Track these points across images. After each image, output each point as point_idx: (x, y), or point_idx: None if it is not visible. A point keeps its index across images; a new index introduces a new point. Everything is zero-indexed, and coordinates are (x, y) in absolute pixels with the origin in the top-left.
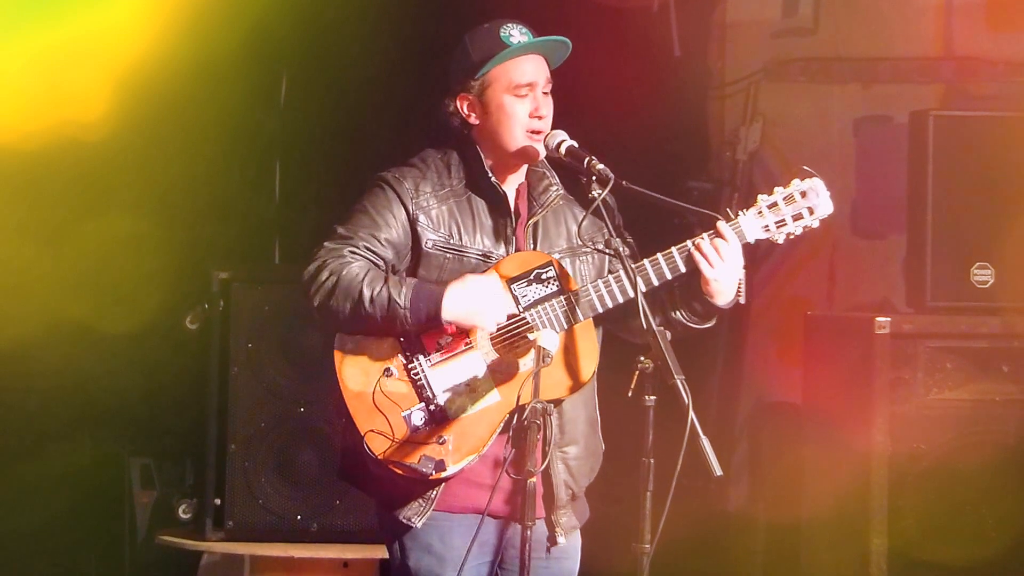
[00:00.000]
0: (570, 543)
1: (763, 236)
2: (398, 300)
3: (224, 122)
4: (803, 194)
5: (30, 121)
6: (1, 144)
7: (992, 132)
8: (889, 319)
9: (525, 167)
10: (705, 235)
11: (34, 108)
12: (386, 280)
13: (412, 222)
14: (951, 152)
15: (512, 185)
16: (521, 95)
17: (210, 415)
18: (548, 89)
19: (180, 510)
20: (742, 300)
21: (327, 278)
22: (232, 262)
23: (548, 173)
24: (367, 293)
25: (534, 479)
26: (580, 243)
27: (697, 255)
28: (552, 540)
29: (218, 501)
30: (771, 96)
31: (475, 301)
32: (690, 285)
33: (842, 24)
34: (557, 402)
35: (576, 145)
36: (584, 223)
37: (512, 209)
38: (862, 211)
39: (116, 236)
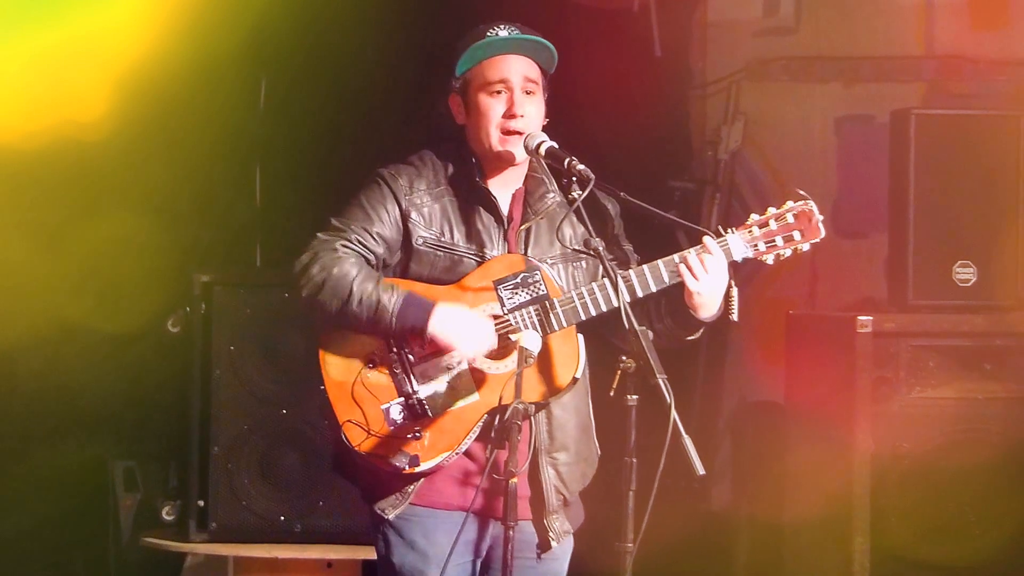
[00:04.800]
0: (561, 546)
1: (751, 255)
2: (387, 305)
3: (209, 124)
4: (796, 216)
5: (30, 121)
6: (1, 144)
7: (974, 131)
8: (871, 318)
9: (521, 170)
10: (692, 249)
11: (34, 108)
12: (378, 282)
13: (404, 218)
14: (933, 151)
15: (509, 189)
16: (494, 92)
17: (193, 417)
18: (530, 89)
19: (164, 512)
20: (734, 318)
21: (318, 272)
22: (213, 265)
23: (546, 180)
24: (357, 293)
25: (515, 480)
26: (573, 250)
27: (683, 268)
28: (546, 545)
29: (201, 503)
30: (753, 95)
31: (462, 326)
32: (675, 298)
33: (823, 23)
34: (540, 406)
35: (556, 146)
36: (579, 228)
37: (505, 213)
38: (844, 210)
39: (103, 239)
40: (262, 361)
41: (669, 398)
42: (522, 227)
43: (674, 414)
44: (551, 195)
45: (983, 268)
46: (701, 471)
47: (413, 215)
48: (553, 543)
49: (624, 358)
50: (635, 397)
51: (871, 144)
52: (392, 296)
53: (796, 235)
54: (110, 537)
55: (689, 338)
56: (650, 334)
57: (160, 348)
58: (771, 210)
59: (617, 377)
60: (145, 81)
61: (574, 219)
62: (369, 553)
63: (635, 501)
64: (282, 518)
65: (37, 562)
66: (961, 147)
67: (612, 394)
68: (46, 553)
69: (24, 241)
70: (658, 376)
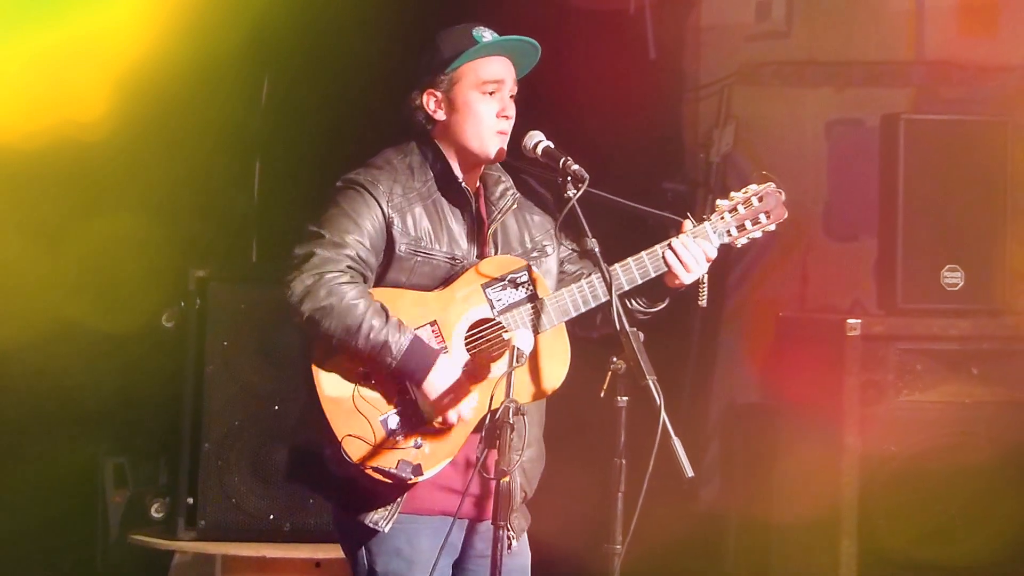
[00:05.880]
0: (521, 542)
1: (726, 240)
2: (392, 348)
3: (208, 123)
4: (760, 198)
5: (30, 121)
6: (1, 144)
7: (963, 136)
8: (860, 321)
9: (480, 168)
10: (681, 237)
11: (34, 108)
12: (386, 320)
13: (388, 226)
14: (922, 155)
15: (473, 187)
16: (489, 92)
17: (185, 413)
18: (514, 92)
19: (153, 509)
20: (703, 303)
21: (326, 297)
22: (209, 260)
23: (503, 177)
24: (365, 328)
25: (507, 479)
26: (531, 246)
27: (674, 261)
28: (507, 543)
29: (191, 500)
30: (744, 99)
31: (455, 389)
32: (650, 279)
33: (815, 28)
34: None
35: (552, 146)
36: (538, 222)
37: (475, 212)
38: (834, 213)
39: (101, 237)
40: (256, 357)
41: (659, 400)
42: (490, 230)
43: (664, 416)
44: (510, 191)
45: (971, 272)
46: (690, 473)
47: (396, 222)
48: (513, 541)
49: (615, 359)
50: (625, 398)
51: (861, 148)
52: (399, 339)
53: (763, 217)
54: (98, 534)
55: (657, 309)
56: (641, 335)
57: (154, 343)
58: (735, 195)
59: (607, 378)
60: (145, 81)
61: (530, 218)
62: None
63: (624, 503)
64: (271, 516)
65: (26, 558)
66: (950, 152)
67: (602, 395)
68: (35, 550)
69: (23, 240)
70: (648, 378)
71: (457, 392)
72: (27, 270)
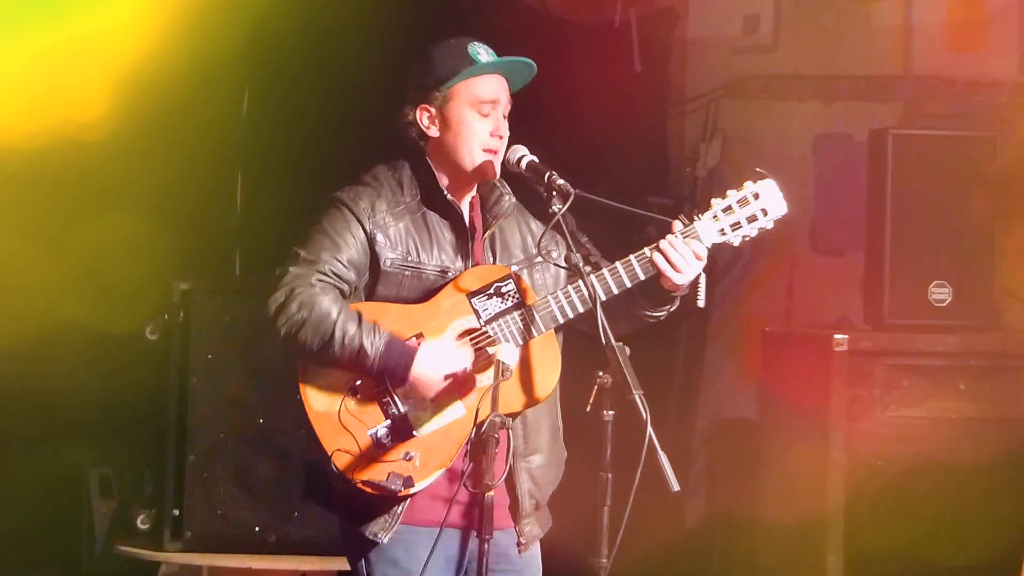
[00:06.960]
0: (531, 553)
1: (720, 240)
2: (368, 351)
3: (207, 126)
4: (756, 196)
5: (30, 121)
6: (1, 144)
7: (950, 151)
8: (847, 336)
9: (472, 184)
10: (669, 238)
11: (34, 108)
12: (360, 323)
13: (370, 242)
14: (910, 170)
15: (466, 199)
16: (484, 113)
17: (170, 425)
18: (508, 111)
19: (138, 520)
20: (701, 304)
21: (298, 311)
22: (193, 273)
23: (499, 184)
24: (339, 335)
25: (491, 493)
26: (535, 251)
27: (662, 263)
28: (517, 549)
29: (176, 511)
30: (731, 113)
31: (444, 370)
32: (648, 282)
33: (802, 42)
34: (518, 414)
35: (536, 160)
36: (538, 232)
37: (468, 223)
38: (821, 228)
39: (97, 242)
40: (240, 369)
41: (645, 414)
42: (486, 234)
43: (650, 430)
44: (506, 197)
45: (958, 288)
46: (676, 487)
47: (379, 237)
48: (523, 547)
49: (601, 373)
50: (611, 413)
51: (849, 163)
52: (374, 341)
53: (759, 214)
54: (84, 544)
55: (662, 313)
56: (627, 350)
57: (138, 355)
58: (731, 193)
59: (594, 392)
60: (145, 81)
61: (532, 224)
62: (343, 564)
63: (610, 517)
64: (257, 528)
65: (10, 567)
66: (938, 167)
67: (588, 409)
68: (19, 559)
69: (23, 241)
70: (634, 392)
71: (446, 370)
72: (25, 271)
